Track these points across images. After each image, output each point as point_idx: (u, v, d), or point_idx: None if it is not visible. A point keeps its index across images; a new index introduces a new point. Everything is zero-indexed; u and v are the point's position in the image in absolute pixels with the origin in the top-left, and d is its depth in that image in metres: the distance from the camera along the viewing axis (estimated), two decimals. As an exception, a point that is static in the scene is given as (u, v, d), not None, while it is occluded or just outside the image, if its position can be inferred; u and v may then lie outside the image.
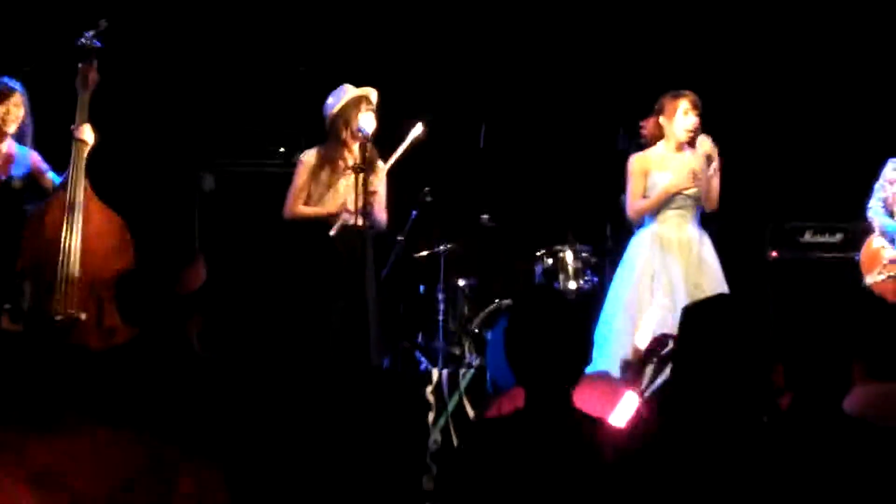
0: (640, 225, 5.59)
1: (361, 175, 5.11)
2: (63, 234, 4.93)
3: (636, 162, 5.55)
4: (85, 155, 5.06)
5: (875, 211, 6.07)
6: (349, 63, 6.88)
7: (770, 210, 7.11)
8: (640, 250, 5.50)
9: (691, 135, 5.43)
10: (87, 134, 5.09)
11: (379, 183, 5.43)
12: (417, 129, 5.47)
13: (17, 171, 5.22)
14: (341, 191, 5.38)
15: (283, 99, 7.05)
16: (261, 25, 7.18)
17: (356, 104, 5.35)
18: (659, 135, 5.53)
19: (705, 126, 5.51)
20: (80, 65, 5.10)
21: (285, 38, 7.19)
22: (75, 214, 4.95)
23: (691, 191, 5.44)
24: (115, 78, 5.49)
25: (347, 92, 5.41)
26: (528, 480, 2.59)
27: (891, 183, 6.06)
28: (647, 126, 5.58)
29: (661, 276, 5.40)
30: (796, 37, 7.36)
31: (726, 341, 2.45)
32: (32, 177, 5.27)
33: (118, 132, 6.51)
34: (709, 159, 5.39)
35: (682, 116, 5.43)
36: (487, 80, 7.34)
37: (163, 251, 3.27)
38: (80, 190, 4.99)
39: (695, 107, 5.42)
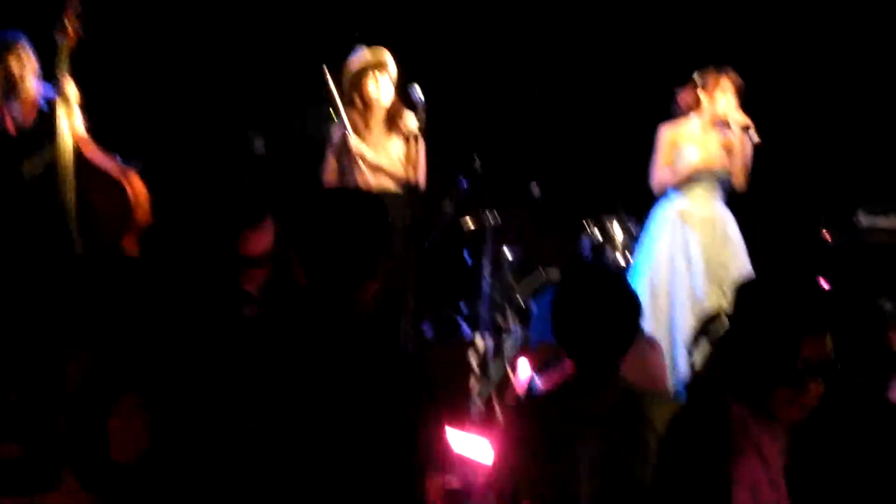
0: (663, 195, 5.51)
1: (413, 143, 5.10)
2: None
3: (667, 132, 5.49)
4: (73, 113, 4.56)
5: None
6: (401, 22, 6.84)
7: (825, 194, 7.00)
8: (663, 227, 5.43)
9: (728, 113, 5.32)
10: (69, 90, 4.55)
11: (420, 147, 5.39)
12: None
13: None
14: (382, 159, 5.37)
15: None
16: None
17: (365, 69, 5.32)
18: (695, 107, 5.43)
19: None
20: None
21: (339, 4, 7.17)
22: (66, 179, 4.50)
23: (719, 169, 5.35)
24: (159, 40, 5.43)
25: (358, 56, 5.37)
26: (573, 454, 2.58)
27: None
28: (684, 96, 5.48)
29: (682, 254, 5.31)
30: (857, 18, 7.21)
31: (779, 317, 2.40)
32: None
33: (166, 95, 6.58)
34: (746, 129, 5.27)
35: (722, 94, 5.33)
36: (539, 47, 7.27)
37: (227, 212, 3.20)
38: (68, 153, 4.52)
39: (736, 86, 5.33)
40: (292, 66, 7.07)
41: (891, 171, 6.87)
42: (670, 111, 5.58)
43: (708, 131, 5.43)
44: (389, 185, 5.37)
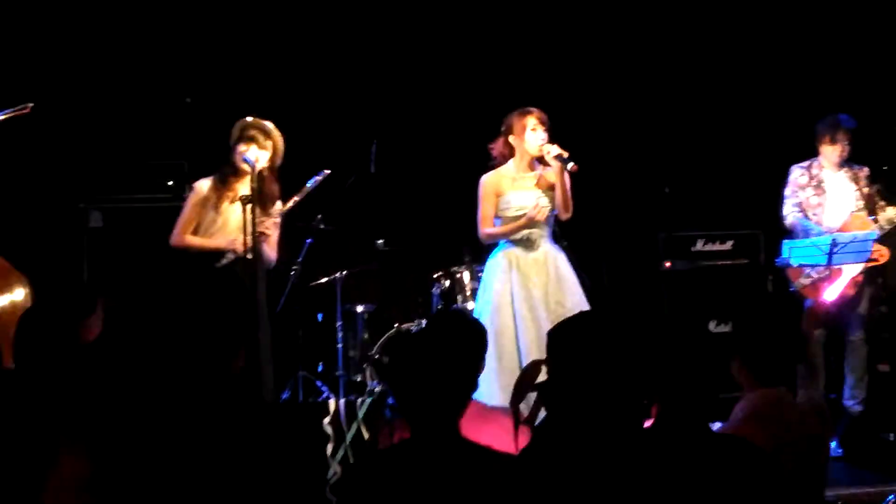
0: (495, 246, 5.56)
1: (250, 207, 5.03)
2: None
3: (487, 183, 5.48)
4: None
5: (794, 216, 6.17)
6: (238, 93, 6.82)
7: (657, 220, 7.23)
8: (497, 272, 5.44)
9: (542, 149, 5.40)
10: None
11: (272, 222, 5.35)
12: (320, 176, 5.42)
13: None
14: (231, 224, 5.30)
15: (170, 131, 6.96)
16: (143, 57, 7.07)
17: (240, 134, 5.30)
18: (509, 154, 5.52)
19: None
20: None
21: (169, 69, 7.09)
22: None
23: (544, 213, 5.40)
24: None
25: (240, 122, 5.35)
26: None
27: (801, 188, 6.18)
28: (497, 146, 5.55)
29: (521, 294, 5.37)
30: (679, 45, 7.50)
31: (593, 357, 2.45)
32: None
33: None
34: (561, 159, 5.34)
35: (531, 133, 5.42)
36: (374, 102, 7.33)
37: (59, 300, 3.22)
38: None
39: (542, 122, 5.42)
40: (128, 135, 6.97)
41: (724, 199, 7.15)
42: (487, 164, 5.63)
43: (527, 174, 5.49)
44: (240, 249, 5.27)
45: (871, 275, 6.07)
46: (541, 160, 5.44)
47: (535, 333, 5.24)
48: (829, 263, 5.83)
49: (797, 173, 6.20)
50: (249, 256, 5.03)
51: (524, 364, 5.03)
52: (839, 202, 6.12)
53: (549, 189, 5.40)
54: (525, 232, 5.41)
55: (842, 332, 6.08)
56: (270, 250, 5.35)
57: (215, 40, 7.17)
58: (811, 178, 6.17)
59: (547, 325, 5.25)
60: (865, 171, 6.16)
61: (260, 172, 5.19)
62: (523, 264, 5.39)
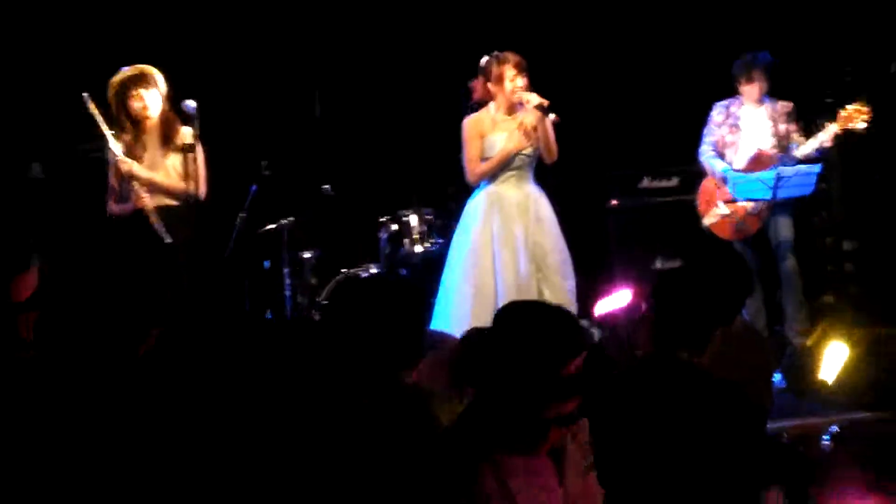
0: (478, 187, 5.57)
1: (190, 155, 5.00)
2: None
3: (470, 125, 5.50)
4: None
5: (707, 156, 6.23)
6: (181, 37, 6.69)
7: (604, 159, 7.25)
8: (477, 213, 5.46)
9: (521, 96, 5.41)
10: None
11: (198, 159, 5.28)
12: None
13: None
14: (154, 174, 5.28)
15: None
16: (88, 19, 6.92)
17: (126, 89, 5.22)
18: (489, 97, 5.50)
19: (536, 81, 5.51)
20: None
21: (112, 26, 6.95)
22: None
23: (528, 150, 5.44)
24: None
25: (118, 74, 5.26)
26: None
27: (718, 126, 6.22)
28: (476, 88, 5.54)
29: (502, 235, 5.39)
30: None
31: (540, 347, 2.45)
32: None
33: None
34: (541, 108, 5.34)
35: (509, 81, 5.40)
36: (318, 48, 7.23)
37: None
38: None
39: (520, 68, 5.40)
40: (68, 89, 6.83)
41: (669, 137, 7.16)
42: (465, 107, 5.61)
43: (508, 117, 5.48)
44: (168, 201, 5.25)
45: (791, 205, 6.12)
46: (520, 104, 5.43)
47: (513, 274, 5.27)
48: (774, 197, 5.89)
49: (716, 111, 6.23)
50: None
51: (501, 303, 5.03)
52: (752, 140, 6.16)
53: (532, 131, 5.39)
54: (509, 172, 5.41)
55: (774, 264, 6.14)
56: (200, 184, 5.28)
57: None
58: (728, 115, 6.19)
59: (526, 265, 5.29)
60: (789, 106, 6.18)
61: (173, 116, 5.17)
62: (506, 205, 5.42)
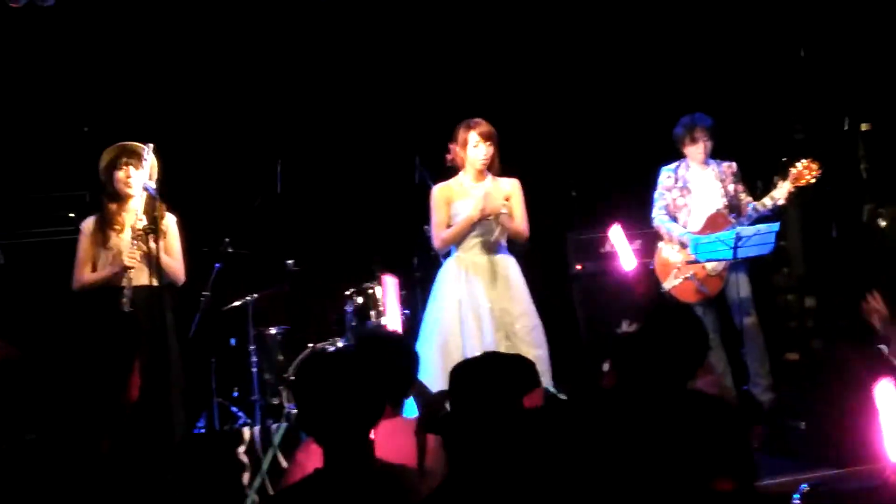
0: (447, 255, 5.60)
1: (152, 237, 4.97)
2: None
3: (438, 192, 5.56)
4: None
5: (660, 219, 6.29)
6: (139, 118, 6.71)
7: (564, 222, 7.31)
8: (447, 278, 5.50)
9: (485, 164, 5.46)
10: None
11: (173, 238, 5.29)
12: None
13: None
14: (125, 251, 5.19)
15: (69, 162, 6.81)
16: (37, 86, 6.93)
17: (117, 159, 5.21)
18: (460, 163, 5.55)
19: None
20: None
21: (63, 97, 6.96)
22: None
23: (493, 217, 5.44)
24: None
25: (110, 148, 5.27)
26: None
27: (668, 190, 6.30)
28: (451, 154, 5.58)
29: (468, 302, 5.41)
30: (585, 50, 7.59)
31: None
32: None
33: None
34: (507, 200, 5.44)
35: (472, 148, 5.46)
36: (279, 122, 7.28)
37: None
38: None
39: (485, 137, 5.45)
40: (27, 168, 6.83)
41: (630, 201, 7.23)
42: (426, 175, 5.65)
43: (476, 184, 5.52)
44: (145, 279, 5.18)
45: (748, 263, 6.17)
46: (491, 170, 5.49)
47: (478, 342, 5.26)
48: (735, 257, 5.94)
49: (664, 175, 6.32)
50: (155, 283, 4.98)
51: None
52: (703, 202, 6.24)
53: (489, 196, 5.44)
54: (476, 239, 5.44)
55: (736, 324, 6.18)
56: (177, 266, 5.27)
57: (112, 65, 7.05)
58: (676, 178, 6.28)
59: (492, 333, 5.29)
60: (733, 166, 6.27)
61: (150, 197, 5.12)
62: (474, 270, 5.44)
